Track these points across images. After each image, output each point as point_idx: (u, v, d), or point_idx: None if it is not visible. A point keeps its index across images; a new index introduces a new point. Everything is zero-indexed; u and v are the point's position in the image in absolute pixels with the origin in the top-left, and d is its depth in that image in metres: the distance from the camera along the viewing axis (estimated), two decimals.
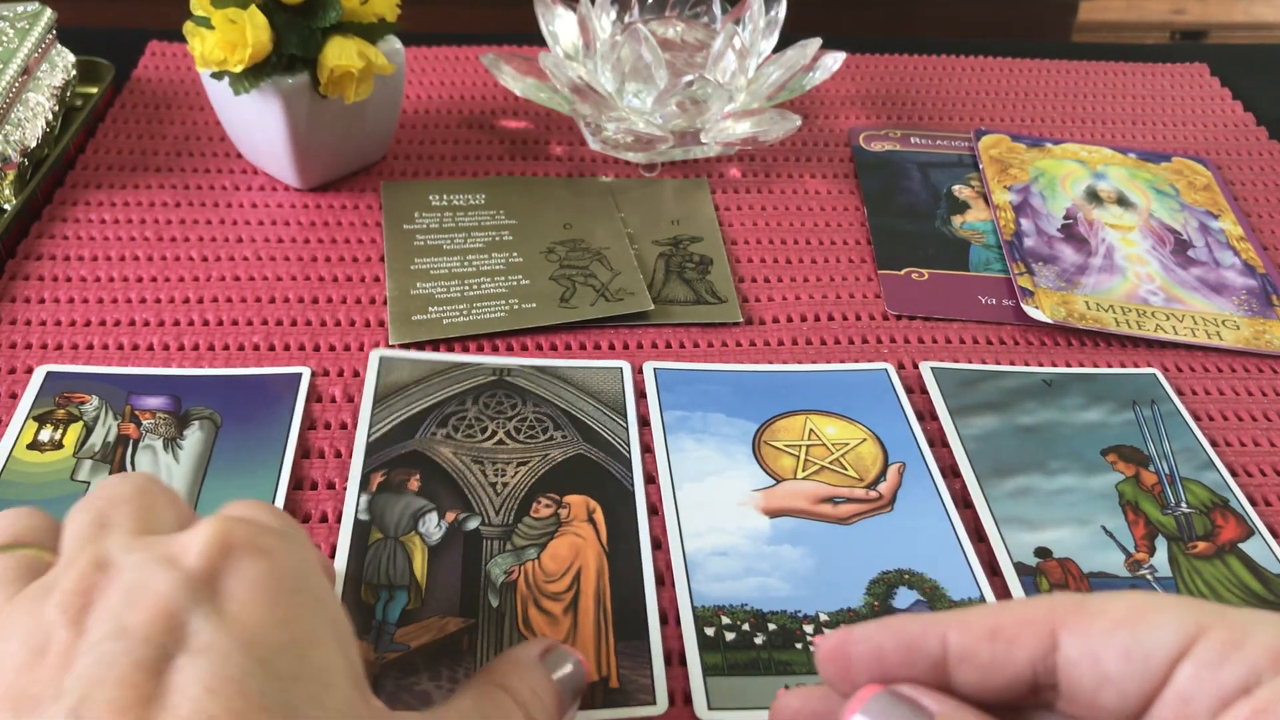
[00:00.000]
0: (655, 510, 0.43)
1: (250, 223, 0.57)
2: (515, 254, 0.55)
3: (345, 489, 0.42)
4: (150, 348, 0.49)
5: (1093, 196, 0.62)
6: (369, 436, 0.44)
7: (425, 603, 0.38)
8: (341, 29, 0.54)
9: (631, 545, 0.41)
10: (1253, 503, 0.45)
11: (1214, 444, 0.47)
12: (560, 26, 0.63)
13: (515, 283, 0.53)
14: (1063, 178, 0.64)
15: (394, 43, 0.57)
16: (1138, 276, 0.56)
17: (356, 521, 0.40)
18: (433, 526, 0.40)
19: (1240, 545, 0.42)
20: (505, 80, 0.62)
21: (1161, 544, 0.42)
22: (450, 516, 0.41)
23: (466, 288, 0.53)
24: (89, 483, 0.42)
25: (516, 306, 0.52)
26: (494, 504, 0.41)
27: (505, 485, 0.42)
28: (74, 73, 0.63)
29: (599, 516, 0.41)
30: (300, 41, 0.52)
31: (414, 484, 0.42)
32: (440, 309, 0.51)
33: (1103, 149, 0.67)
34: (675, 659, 0.37)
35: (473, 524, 0.41)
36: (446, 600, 0.38)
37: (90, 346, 0.48)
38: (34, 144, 0.57)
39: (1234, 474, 0.46)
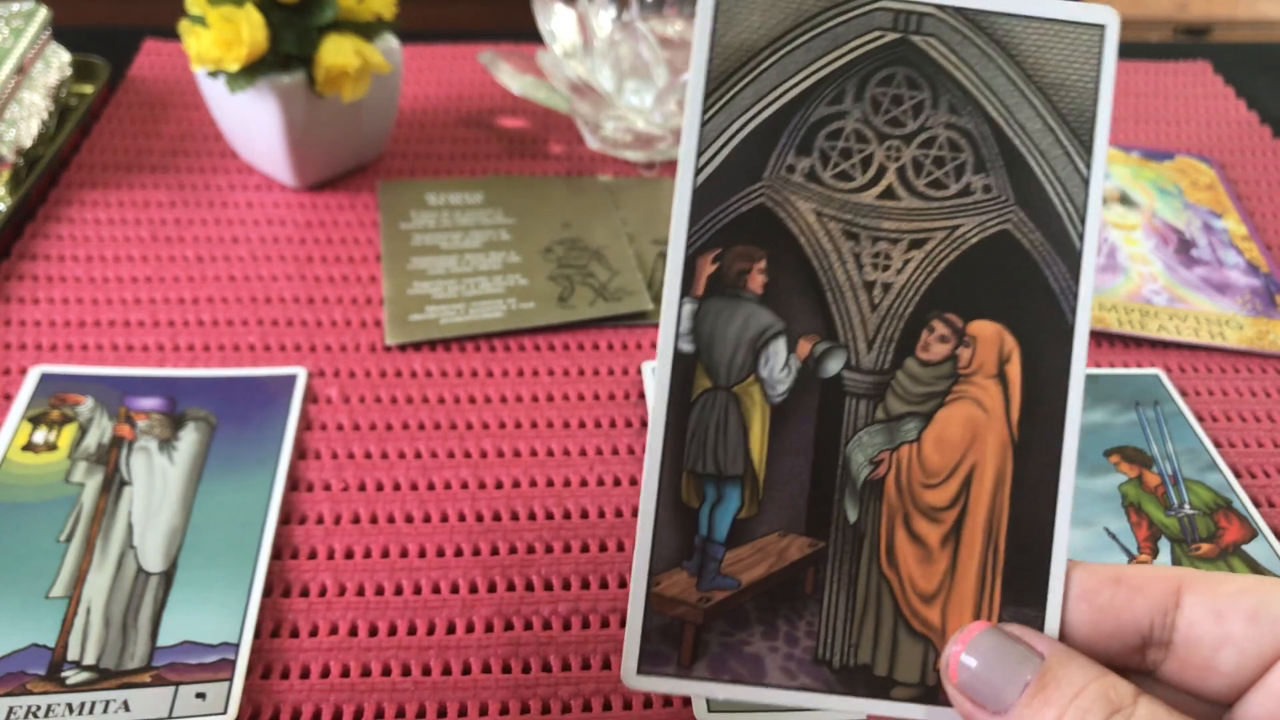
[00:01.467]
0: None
1: (246, 222, 0.56)
2: (513, 253, 0.55)
3: (663, 302, 0.26)
4: (145, 348, 0.48)
5: None
6: (697, 164, 0.26)
7: (764, 508, 0.26)
8: (338, 27, 0.53)
9: (1052, 433, 0.26)
10: (1256, 504, 0.44)
11: (1217, 445, 0.47)
12: (558, 24, 0.62)
13: (513, 282, 0.53)
14: None
15: (391, 41, 0.57)
16: (1141, 276, 0.56)
17: (677, 355, 0.26)
18: (778, 365, 0.27)
19: (1244, 547, 0.42)
20: (503, 79, 0.62)
21: (1164, 546, 0.42)
22: (804, 347, 0.27)
23: (464, 287, 0.52)
24: (84, 484, 0.41)
25: (514, 306, 0.51)
26: (866, 325, 0.27)
27: (888, 288, 0.27)
28: (69, 71, 0.63)
29: (1014, 369, 0.27)
30: (296, 40, 0.52)
31: (758, 278, 0.27)
32: (437, 309, 0.51)
33: None
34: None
35: (835, 363, 0.27)
36: (789, 503, 0.26)
37: (85, 347, 0.48)
38: (29, 143, 0.57)
39: (1237, 475, 0.45)
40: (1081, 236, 0.27)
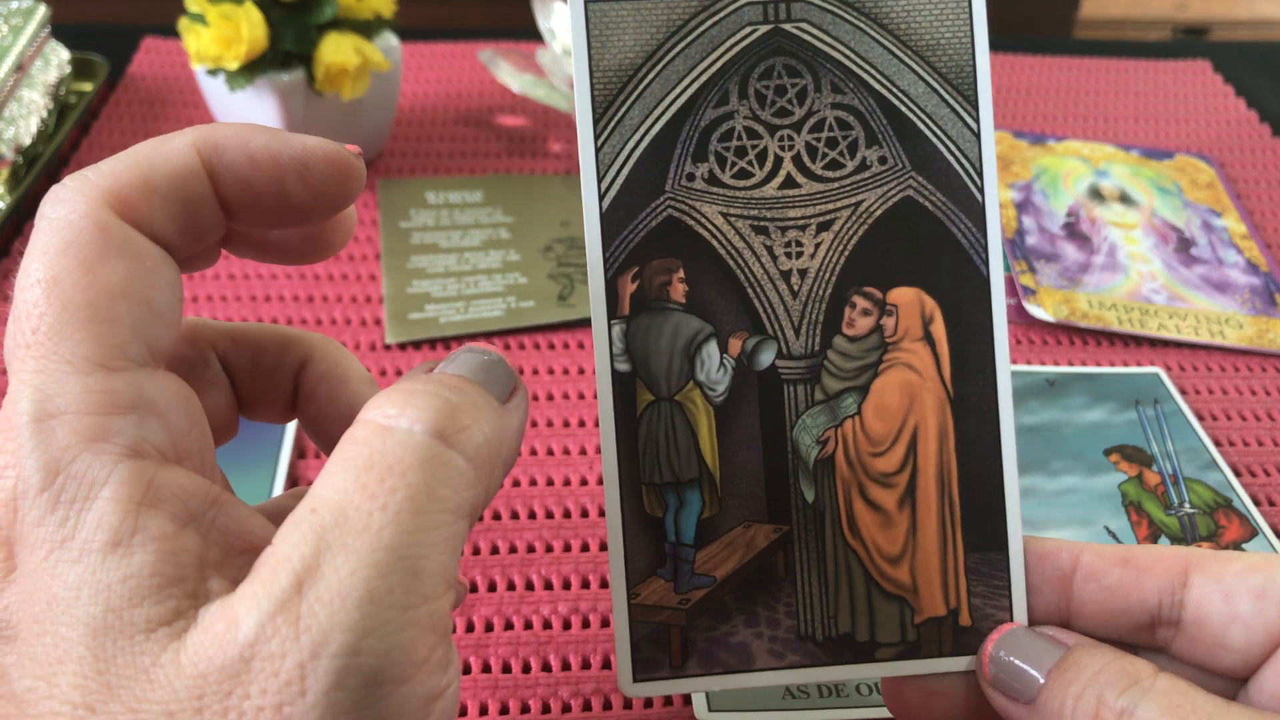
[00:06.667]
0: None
1: None
2: (513, 252, 0.55)
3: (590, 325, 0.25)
4: None
5: (1095, 194, 0.62)
6: (599, 190, 0.27)
7: (724, 504, 0.27)
8: (338, 25, 0.53)
9: (985, 382, 0.28)
10: (1256, 503, 0.44)
11: (1217, 444, 0.47)
12: (557, 22, 0.62)
13: (513, 281, 0.53)
14: (1065, 175, 0.63)
15: (390, 39, 0.57)
16: (1140, 275, 0.56)
17: (615, 375, 0.27)
18: (714, 366, 0.28)
19: (1244, 546, 0.42)
20: (502, 77, 0.62)
21: (1165, 544, 0.42)
22: (735, 344, 0.28)
23: (463, 286, 0.52)
24: None
25: (514, 305, 0.51)
26: (790, 313, 0.28)
27: (804, 274, 0.28)
28: (68, 69, 0.62)
29: (938, 328, 0.28)
30: (296, 38, 0.52)
31: (679, 287, 0.28)
32: (436, 307, 0.51)
33: (1105, 146, 0.66)
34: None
35: (767, 355, 0.28)
36: (748, 495, 0.28)
37: None
38: (28, 141, 0.57)
39: (1237, 474, 0.45)
40: (981, 189, 0.28)
